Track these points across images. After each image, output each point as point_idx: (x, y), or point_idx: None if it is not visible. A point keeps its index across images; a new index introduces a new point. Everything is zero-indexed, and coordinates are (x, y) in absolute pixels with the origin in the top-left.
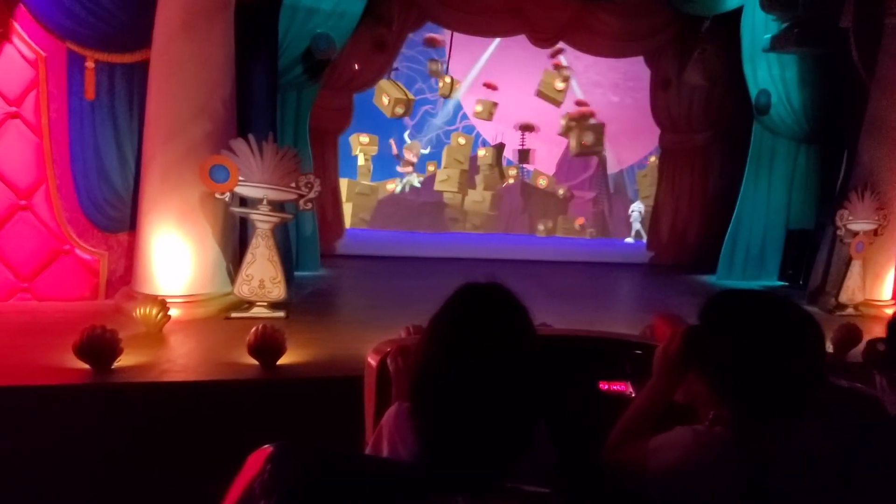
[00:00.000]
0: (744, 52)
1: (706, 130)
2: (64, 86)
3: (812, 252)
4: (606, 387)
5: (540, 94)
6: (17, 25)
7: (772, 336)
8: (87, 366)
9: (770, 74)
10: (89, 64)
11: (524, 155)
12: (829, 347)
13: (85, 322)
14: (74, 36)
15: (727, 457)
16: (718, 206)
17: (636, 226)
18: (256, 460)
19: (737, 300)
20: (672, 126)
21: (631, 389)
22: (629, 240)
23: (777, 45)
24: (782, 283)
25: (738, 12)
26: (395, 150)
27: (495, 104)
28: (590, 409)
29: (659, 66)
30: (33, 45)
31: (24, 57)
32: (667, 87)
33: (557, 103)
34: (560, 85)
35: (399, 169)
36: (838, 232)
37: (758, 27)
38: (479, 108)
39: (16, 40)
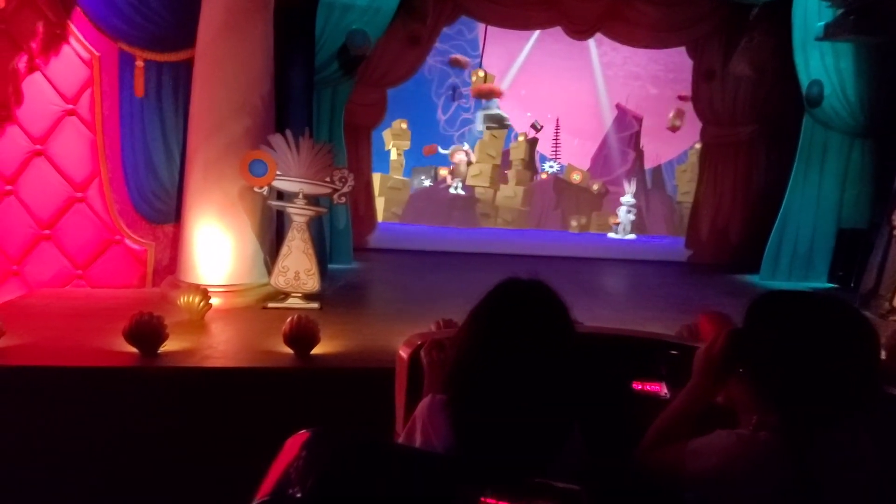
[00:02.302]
0: (795, 40)
1: (751, 124)
2: (116, 84)
3: (865, 253)
4: (640, 387)
5: None
6: (73, 27)
7: (823, 339)
8: (135, 350)
9: (823, 64)
10: (139, 63)
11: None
12: (882, 354)
13: (133, 308)
14: (126, 36)
15: (772, 463)
16: (762, 204)
17: (627, 217)
18: (293, 446)
19: (785, 301)
20: (715, 119)
21: (665, 391)
22: (612, 235)
23: (831, 32)
24: (832, 284)
25: None
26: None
27: (492, 76)
28: (623, 408)
29: (702, 56)
30: (88, 45)
31: (79, 57)
32: (710, 79)
33: None
34: None
35: (449, 176)
36: (894, 232)
37: (811, 14)
38: (473, 79)
39: (72, 41)
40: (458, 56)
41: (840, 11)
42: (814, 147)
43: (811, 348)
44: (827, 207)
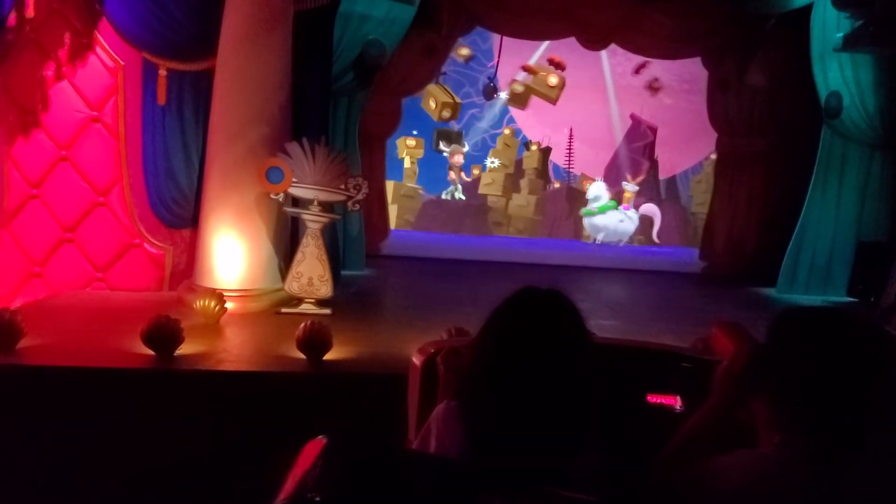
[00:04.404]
0: (813, 51)
1: (768, 135)
2: (139, 92)
3: (886, 266)
4: (655, 400)
5: None
6: (99, 37)
7: (850, 359)
8: (151, 352)
9: (842, 75)
10: (162, 72)
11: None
12: None
13: (151, 311)
14: (150, 46)
15: (796, 485)
16: (779, 215)
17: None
18: (310, 453)
19: (811, 318)
20: (730, 130)
21: (680, 404)
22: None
23: (850, 44)
24: (851, 298)
25: (806, 9)
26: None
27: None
28: (637, 420)
29: (717, 67)
30: (113, 54)
31: (105, 65)
32: (725, 89)
33: None
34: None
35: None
36: None
37: (829, 25)
38: (516, 86)
39: (98, 50)
40: (555, 56)
41: (859, 22)
42: (832, 159)
43: (838, 368)
44: (846, 220)
